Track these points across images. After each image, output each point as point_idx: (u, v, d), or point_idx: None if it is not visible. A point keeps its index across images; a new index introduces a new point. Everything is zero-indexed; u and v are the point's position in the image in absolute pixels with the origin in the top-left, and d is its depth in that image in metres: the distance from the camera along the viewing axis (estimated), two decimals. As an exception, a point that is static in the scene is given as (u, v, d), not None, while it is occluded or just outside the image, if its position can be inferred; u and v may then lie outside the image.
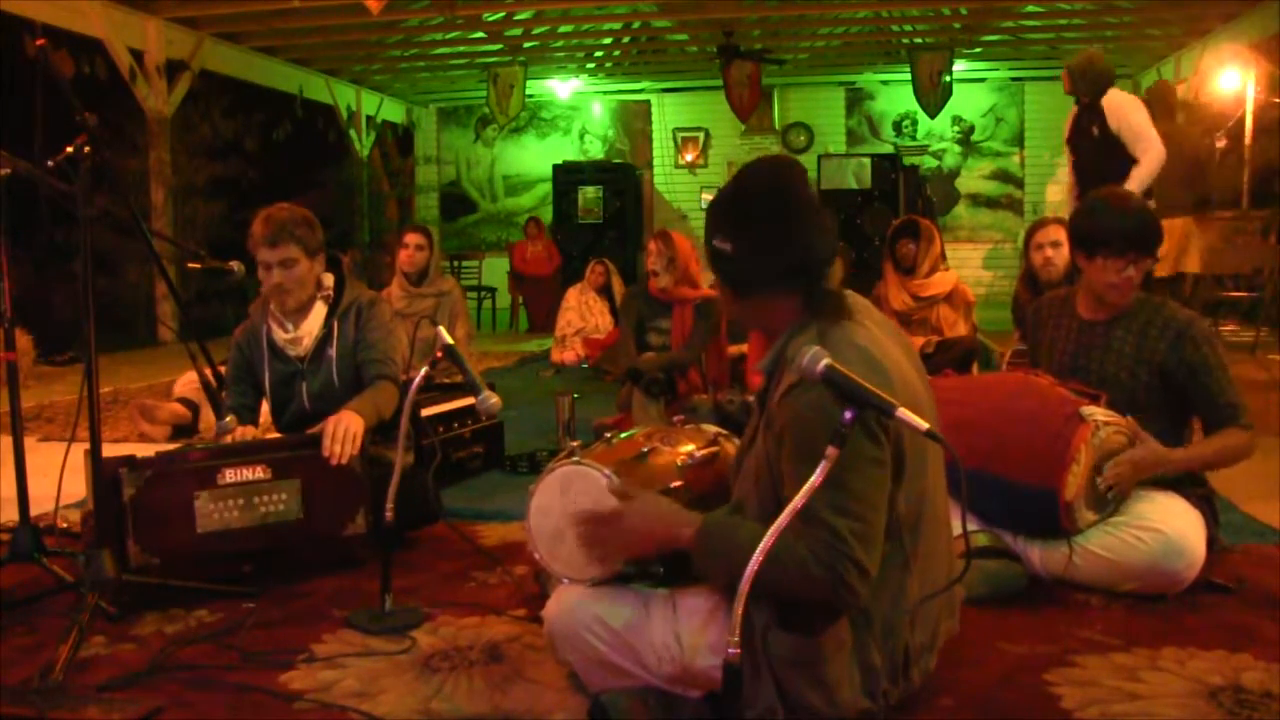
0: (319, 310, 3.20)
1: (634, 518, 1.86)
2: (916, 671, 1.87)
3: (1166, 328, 2.70)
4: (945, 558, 1.94)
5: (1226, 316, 8.55)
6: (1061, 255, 4.40)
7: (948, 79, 11.06)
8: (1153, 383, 2.70)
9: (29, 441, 3.07)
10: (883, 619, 1.78)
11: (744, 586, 1.56)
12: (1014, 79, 12.95)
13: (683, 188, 13.77)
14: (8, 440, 2.85)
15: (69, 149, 2.53)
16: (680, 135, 13.77)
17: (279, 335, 3.20)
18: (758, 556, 1.55)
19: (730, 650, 1.58)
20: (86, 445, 2.55)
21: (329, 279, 3.23)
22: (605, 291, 8.25)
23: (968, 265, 12.43)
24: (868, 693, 1.77)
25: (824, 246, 1.82)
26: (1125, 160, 5.18)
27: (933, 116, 11.61)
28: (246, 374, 3.27)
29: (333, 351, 3.18)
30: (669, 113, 13.81)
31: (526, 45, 11.33)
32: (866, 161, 12.16)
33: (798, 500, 1.56)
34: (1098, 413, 2.52)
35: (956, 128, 13.02)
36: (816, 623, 1.71)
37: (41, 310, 7.94)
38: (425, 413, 3.83)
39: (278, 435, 3.17)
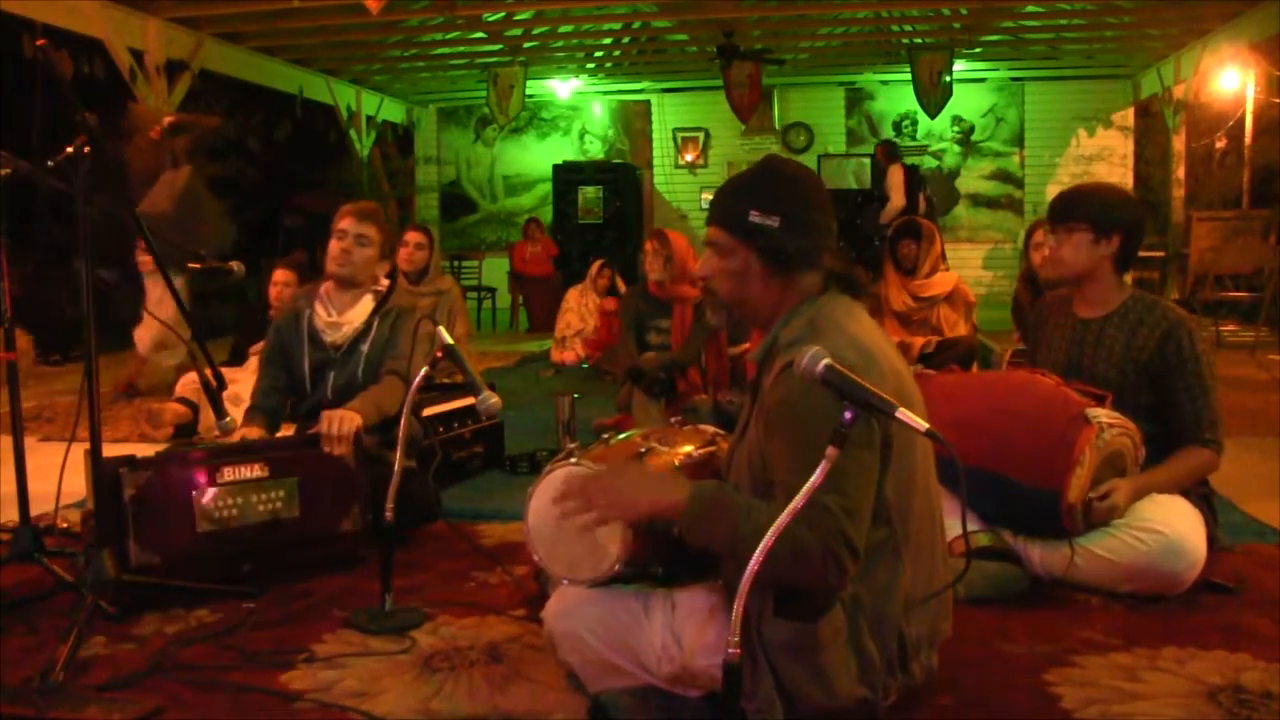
0: (366, 304, 3.32)
1: (625, 477, 1.87)
2: (917, 665, 1.86)
3: (1156, 326, 2.69)
4: (938, 550, 1.94)
5: (1226, 316, 8.55)
6: None
7: (948, 79, 11.03)
8: (1140, 382, 2.69)
9: (29, 441, 3.06)
10: (876, 607, 1.78)
11: (744, 586, 1.56)
12: (1014, 79, 12.92)
13: (683, 188, 13.74)
14: (8, 440, 2.85)
15: (69, 149, 2.52)
16: (680, 135, 13.74)
17: (321, 316, 3.29)
18: (758, 557, 1.55)
19: (730, 650, 1.58)
20: (86, 445, 2.55)
21: (385, 281, 3.39)
22: (609, 295, 8.22)
23: (968, 265, 12.40)
24: (865, 682, 1.77)
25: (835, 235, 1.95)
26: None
27: (933, 117, 11.57)
28: (279, 356, 3.33)
29: (365, 347, 3.26)
30: (669, 113, 13.78)
31: (526, 45, 11.31)
32: (866, 161, 12.16)
33: (798, 501, 1.56)
34: (1102, 414, 2.51)
35: (956, 128, 12.99)
36: (811, 610, 1.72)
37: (41, 310, 7.91)
38: (425, 413, 3.83)
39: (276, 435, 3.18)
